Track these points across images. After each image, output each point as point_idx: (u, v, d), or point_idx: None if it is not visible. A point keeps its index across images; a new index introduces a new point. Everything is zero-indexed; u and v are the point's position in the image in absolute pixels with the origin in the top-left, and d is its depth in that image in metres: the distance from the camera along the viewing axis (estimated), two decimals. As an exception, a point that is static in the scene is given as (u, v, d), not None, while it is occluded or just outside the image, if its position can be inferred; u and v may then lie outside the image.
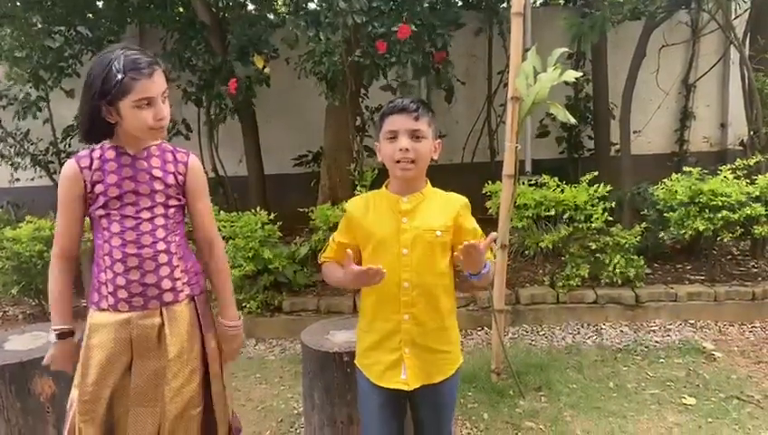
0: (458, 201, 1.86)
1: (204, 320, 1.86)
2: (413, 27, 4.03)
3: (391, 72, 4.55)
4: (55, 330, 1.79)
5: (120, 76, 1.62)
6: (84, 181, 1.72)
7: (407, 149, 1.74)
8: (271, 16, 5.70)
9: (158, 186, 1.76)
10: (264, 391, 3.50)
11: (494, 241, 1.73)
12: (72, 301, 1.82)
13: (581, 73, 3.69)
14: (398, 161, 1.76)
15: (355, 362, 1.94)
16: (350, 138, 5.01)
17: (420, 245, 1.77)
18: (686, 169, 4.35)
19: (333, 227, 4.28)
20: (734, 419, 2.92)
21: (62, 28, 5.55)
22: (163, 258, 1.75)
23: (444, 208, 1.82)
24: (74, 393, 1.76)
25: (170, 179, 1.78)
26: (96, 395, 1.72)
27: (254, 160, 5.88)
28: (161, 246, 1.75)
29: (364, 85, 4.97)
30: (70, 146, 6.12)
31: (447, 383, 1.86)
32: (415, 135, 1.76)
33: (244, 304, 4.29)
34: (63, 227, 1.77)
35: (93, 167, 1.72)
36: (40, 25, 5.29)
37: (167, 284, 1.76)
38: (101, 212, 1.73)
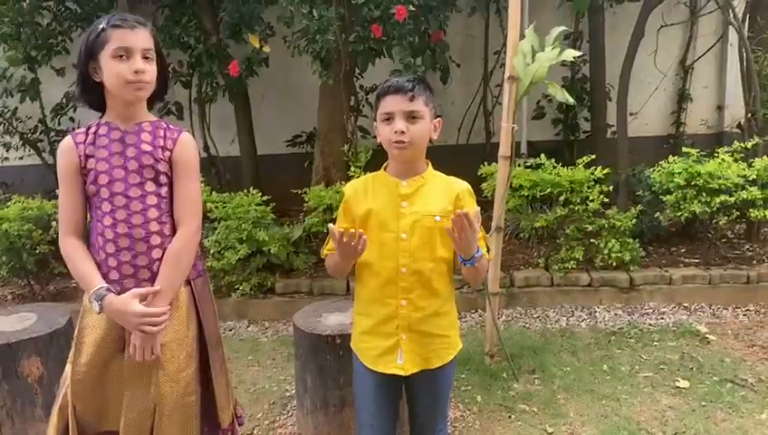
0: (459, 185, 1.80)
1: (201, 304, 1.83)
2: (411, 8, 3.97)
3: (393, 51, 4.47)
4: (97, 291, 1.65)
5: (102, 26, 1.64)
6: (78, 156, 1.70)
7: (402, 132, 1.69)
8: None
9: (146, 161, 1.71)
10: (257, 373, 3.48)
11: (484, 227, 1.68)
12: (95, 266, 1.70)
13: (581, 53, 3.63)
14: (394, 142, 1.70)
15: (350, 344, 1.90)
16: (344, 118, 4.94)
17: (419, 230, 1.72)
18: (685, 149, 4.32)
19: (327, 209, 4.24)
20: (728, 402, 2.92)
21: (51, 4, 5.43)
22: (155, 240, 1.72)
23: (444, 193, 1.77)
24: (68, 369, 1.75)
25: (159, 154, 1.73)
26: (88, 375, 1.71)
27: (246, 140, 5.80)
28: (154, 226, 1.71)
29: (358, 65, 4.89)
30: (59, 124, 6.02)
31: (445, 369, 1.83)
32: (411, 116, 1.70)
33: (236, 286, 4.26)
34: (65, 202, 1.73)
35: (87, 141, 1.71)
36: (28, 1, 5.16)
37: (159, 266, 1.72)
38: (93, 189, 1.70)
